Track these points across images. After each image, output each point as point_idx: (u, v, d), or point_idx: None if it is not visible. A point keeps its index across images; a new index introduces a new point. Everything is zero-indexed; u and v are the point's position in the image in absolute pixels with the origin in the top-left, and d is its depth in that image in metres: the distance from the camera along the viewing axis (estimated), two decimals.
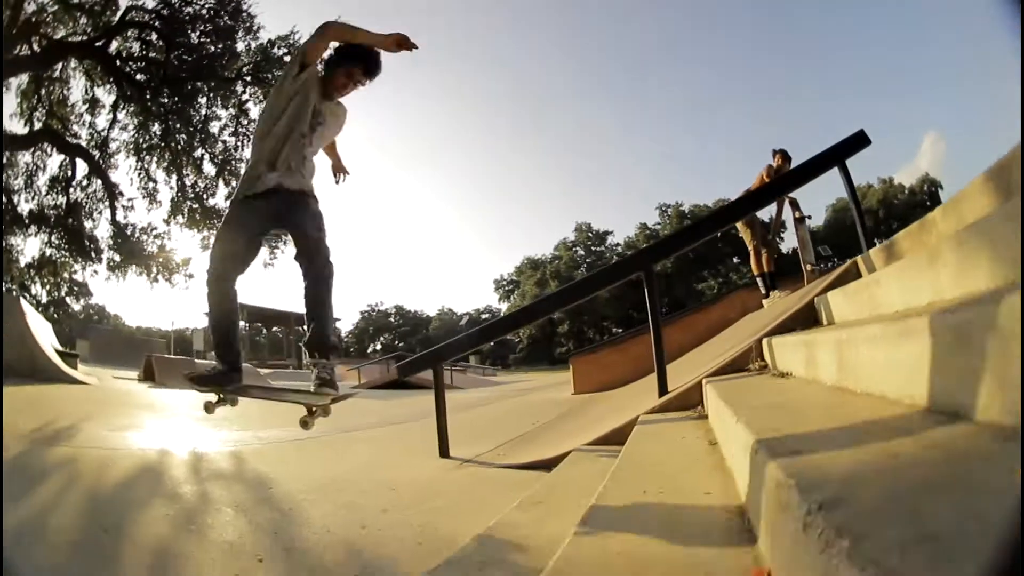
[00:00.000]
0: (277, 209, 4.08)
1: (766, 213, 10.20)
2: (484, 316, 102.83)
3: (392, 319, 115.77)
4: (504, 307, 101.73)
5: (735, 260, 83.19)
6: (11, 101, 19.73)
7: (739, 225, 9.99)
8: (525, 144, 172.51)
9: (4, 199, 19.77)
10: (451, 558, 2.58)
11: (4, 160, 18.02)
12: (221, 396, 4.34)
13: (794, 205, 10.13)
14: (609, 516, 2.14)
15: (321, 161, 4.46)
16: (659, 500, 2.26)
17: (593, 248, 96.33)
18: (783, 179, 7.77)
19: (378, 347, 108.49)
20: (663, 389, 5.32)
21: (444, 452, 6.03)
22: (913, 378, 1.80)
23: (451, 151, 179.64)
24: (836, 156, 6.57)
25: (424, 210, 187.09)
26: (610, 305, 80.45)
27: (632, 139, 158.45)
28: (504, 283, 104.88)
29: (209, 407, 4.40)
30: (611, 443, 4.58)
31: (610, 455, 4.08)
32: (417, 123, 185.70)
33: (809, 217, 10.34)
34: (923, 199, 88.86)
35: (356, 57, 4.11)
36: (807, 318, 5.05)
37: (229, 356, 4.35)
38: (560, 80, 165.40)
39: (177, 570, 3.01)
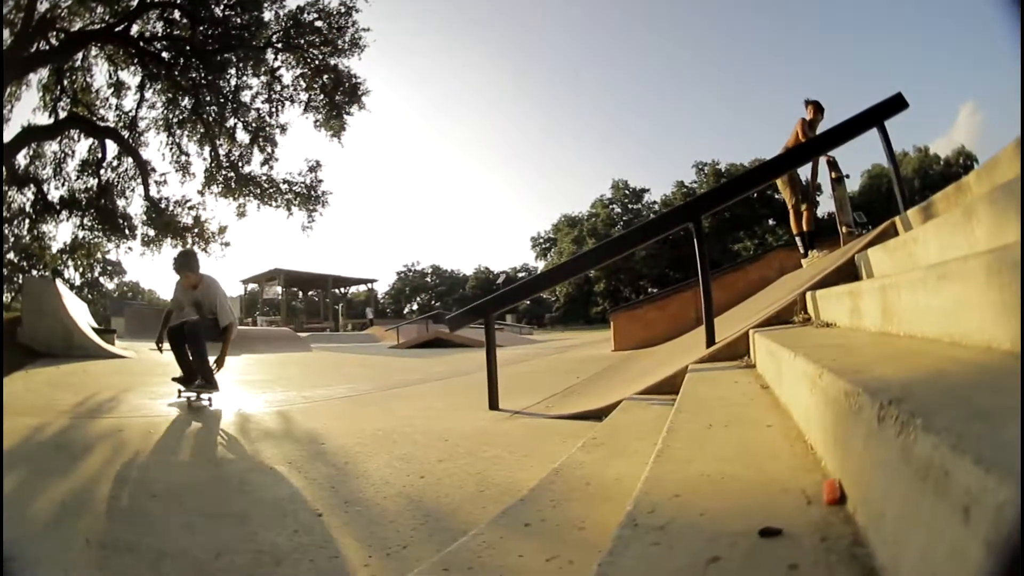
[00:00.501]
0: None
1: (804, 172, 10.15)
2: (521, 274, 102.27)
3: (429, 279, 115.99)
4: (541, 265, 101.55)
5: (771, 222, 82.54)
6: (32, 96, 19.87)
7: (779, 183, 9.99)
8: (563, 102, 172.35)
9: (6, 196, 19.96)
10: (525, 496, 2.62)
11: (3, 159, 18.23)
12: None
13: (832, 165, 9.96)
14: (682, 446, 2.27)
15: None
16: (725, 432, 2.41)
17: (630, 206, 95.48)
18: (820, 138, 7.80)
19: (415, 307, 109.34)
20: (711, 339, 5.45)
21: (494, 404, 6.21)
22: (951, 318, 1.98)
23: (489, 111, 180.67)
24: (875, 117, 6.65)
25: (461, 170, 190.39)
26: (646, 263, 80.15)
27: (670, 97, 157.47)
28: (541, 241, 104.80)
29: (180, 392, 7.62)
30: (662, 392, 4.76)
31: (662, 403, 4.26)
32: (456, 87, 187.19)
33: (847, 176, 10.19)
34: (959, 172, 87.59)
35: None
36: (848, 274, 5.19)
37: (182, 368, 7.69)
38: (599, 37, 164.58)
39: (233, 531, 3.05)
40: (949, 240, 2.93)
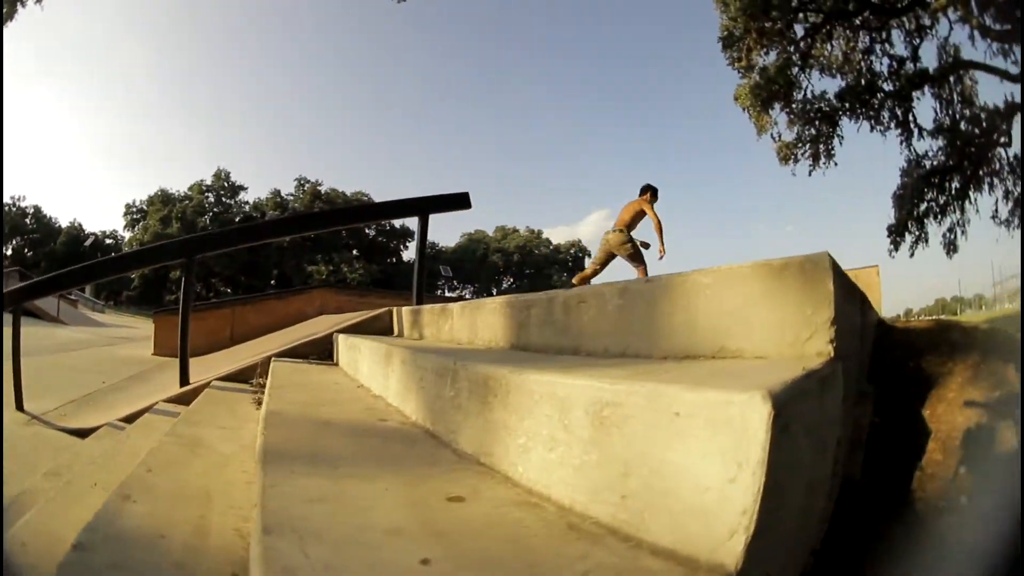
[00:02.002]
0: None
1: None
2: (108, 242, 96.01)
3: (28, 220, 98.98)
4: (128, 236, 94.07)
5: (354, 252, 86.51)
6: None
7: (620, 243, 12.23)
8: (190, 80, 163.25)
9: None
10: None
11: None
12: None
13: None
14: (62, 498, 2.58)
15: None
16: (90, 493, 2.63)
17: (224, 199, 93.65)
18: (364, 209, 8.25)
19: (9, 251, 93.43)
20: (184, 379, 5.67)
21: (19, 404, 6.10)
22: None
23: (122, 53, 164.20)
24: (421, 207, 7.17)
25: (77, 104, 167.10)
26: (219, 261, 78.06)
27: (301, 106, 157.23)
28: (134, 210, 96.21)
29: None
30: (131, 422, 4.87)
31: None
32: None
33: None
34: (566, 259, 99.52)
35: None
36: (323, 350, 5.78)
37: None
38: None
39: None
40: (375, 366, 3.56)
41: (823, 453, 1.36)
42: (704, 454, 1.07)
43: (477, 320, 3.66)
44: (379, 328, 6.12)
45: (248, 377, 5.31)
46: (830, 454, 1.46)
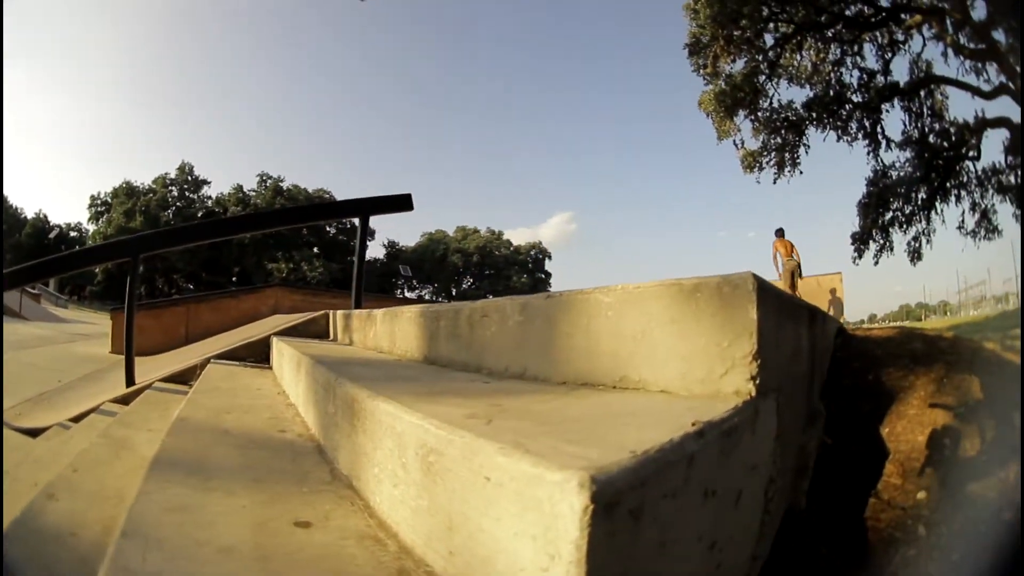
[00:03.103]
0: None
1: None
2: (72, 234, 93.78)
3: None
4: (92, 228, 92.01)
5: (315, 250, 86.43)
6: None
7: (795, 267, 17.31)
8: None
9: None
10: None
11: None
12: None
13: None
14: None
15: None
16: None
17: (187, 193, 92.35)
18: (302, 210, 8.15)
19: None
20: (130, 380, 5.74)
21: None
22: None
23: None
24: (361, 209, 7.07)
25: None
26: (182, 258, 77.40)
27: (268, 101, 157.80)
28: (99, 202, 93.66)
29: None
30: (78, 422, 4.91)
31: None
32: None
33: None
34: (527, 260, 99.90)
35: None
36: (260, 353, 5.67)
37: None
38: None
39: None
40: (289, 374, 3.56)
41: (734, 507, 1.23)
42: (516, 532, 0.93)
43: (395, 329, 3.66)
44: (315, 331, 6.08)
45: (188, 379, 5.30)
46: (753, 499, 1.35)
